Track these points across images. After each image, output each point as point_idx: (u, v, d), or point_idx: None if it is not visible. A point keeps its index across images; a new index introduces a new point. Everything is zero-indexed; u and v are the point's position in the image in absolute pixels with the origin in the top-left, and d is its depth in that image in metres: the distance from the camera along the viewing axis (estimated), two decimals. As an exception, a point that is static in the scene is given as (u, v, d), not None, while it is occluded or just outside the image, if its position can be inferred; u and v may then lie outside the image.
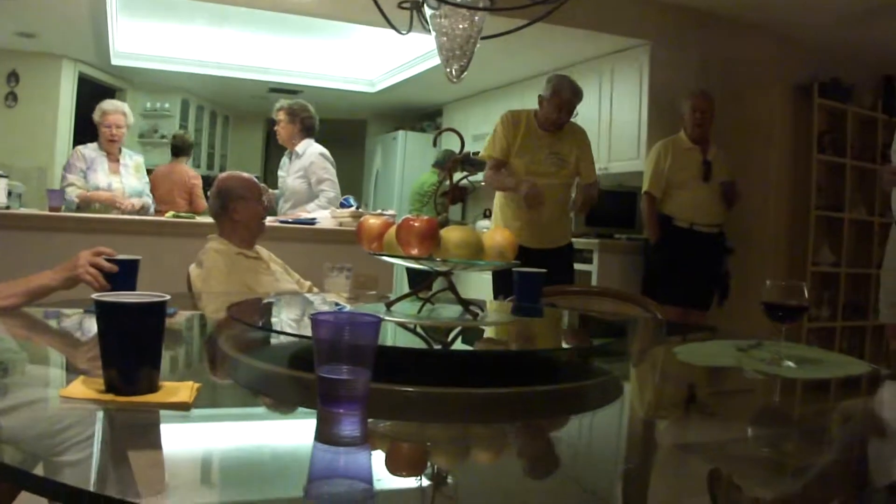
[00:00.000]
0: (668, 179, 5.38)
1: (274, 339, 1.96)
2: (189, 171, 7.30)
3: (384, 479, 1.10)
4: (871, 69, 7.43)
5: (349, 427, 1.21)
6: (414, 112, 10.83)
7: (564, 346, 2.27)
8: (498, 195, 5.17)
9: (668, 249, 5.40)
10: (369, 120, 11.58)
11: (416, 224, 1.79)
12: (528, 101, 7.75)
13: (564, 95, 4.93)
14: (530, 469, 1.25)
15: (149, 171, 6.06)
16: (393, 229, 1.86)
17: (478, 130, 8.67)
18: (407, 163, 9.76)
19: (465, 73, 2.18)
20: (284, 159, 5.88)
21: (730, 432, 1.60)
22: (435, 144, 2.35)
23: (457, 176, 2.06)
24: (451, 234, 1.81)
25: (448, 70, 2.17)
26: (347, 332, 1.20)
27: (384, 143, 10.51)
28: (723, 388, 1.98)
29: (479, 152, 5.36)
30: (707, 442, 1.51)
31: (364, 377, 1.20)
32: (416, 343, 1.82)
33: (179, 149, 7.41)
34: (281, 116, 5.72)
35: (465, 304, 1.86)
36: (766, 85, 6.71)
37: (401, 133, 10.02)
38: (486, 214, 9.00)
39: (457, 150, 7.79)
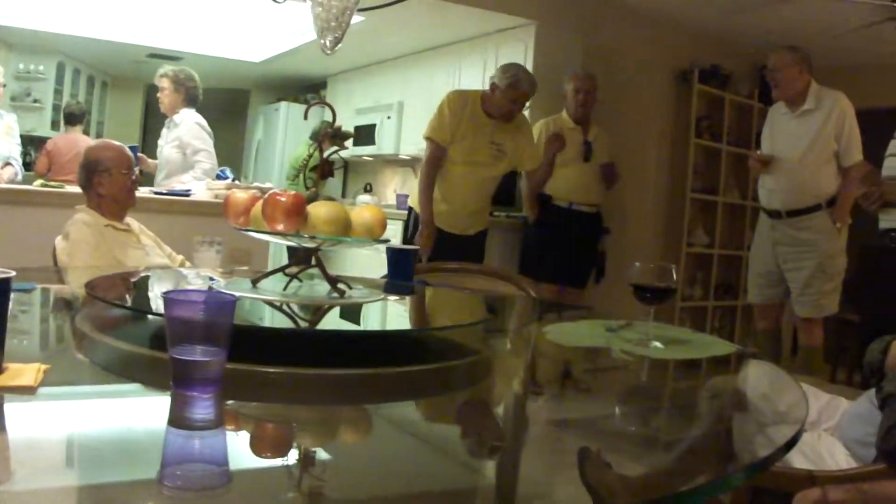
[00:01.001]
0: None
1: (137, 318, 1.88)
2: (90, 141, 7.07)
3: (249, 462, 1.08)
4: (749, 58, 7.63)
5: (203, 410, 1.17)
6: (298, 83, 10.67)
7: (433, 325, 2.25)
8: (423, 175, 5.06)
9: (546, 228, 5.44)
10: (252, 90, 11.37)
11: (282, 199, 1.74)
12: (413, 77, 7.78)
13: (522, 88, 4.85)
14: (401, 449, 1.24)
15: (41, 140, 5.84)
16: (259, 204, 1.81)
17: (361, 104, 8.63)
18: (289, 135, 9.60)
19: (340, 45, 2.15)
20: (164, 129, 5.72)
21: (602, 409, 1.62)
22: (306, 118, 2.29)
23: (330, 150, 2.03)
24: (318, 210, 1.77)
25: (322, 41, 2.13)
26: (201, 310, 1.16)
27: (266, 114, 10.34)
28: (596, 365, 2.01)
29: (341, 128, 5.25)
30: (580, 418, 1.53)
31: (219, 358, 1.16)
32: (284, 322, 1.78)
33: (75, 116, 7.14)
34: (165, 84, 5.54)
35: (333, 281, 1.83)
36: (649, 69, 6.83)
37: (283, 104, 9.86)
38: (368, 189, 8.95)
39: (342, 122, 7.78)
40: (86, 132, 9.96)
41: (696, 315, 7.44)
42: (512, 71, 4.87)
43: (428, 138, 4.87)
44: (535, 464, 1.22)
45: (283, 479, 1.02)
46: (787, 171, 4.88)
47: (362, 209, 1.91)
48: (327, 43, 2.13)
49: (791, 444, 1.30)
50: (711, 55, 7.28)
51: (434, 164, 4.85)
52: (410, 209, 5.07)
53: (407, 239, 5.05)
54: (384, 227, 1.93)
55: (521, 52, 6.38)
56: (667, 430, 1.51)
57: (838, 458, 2.28)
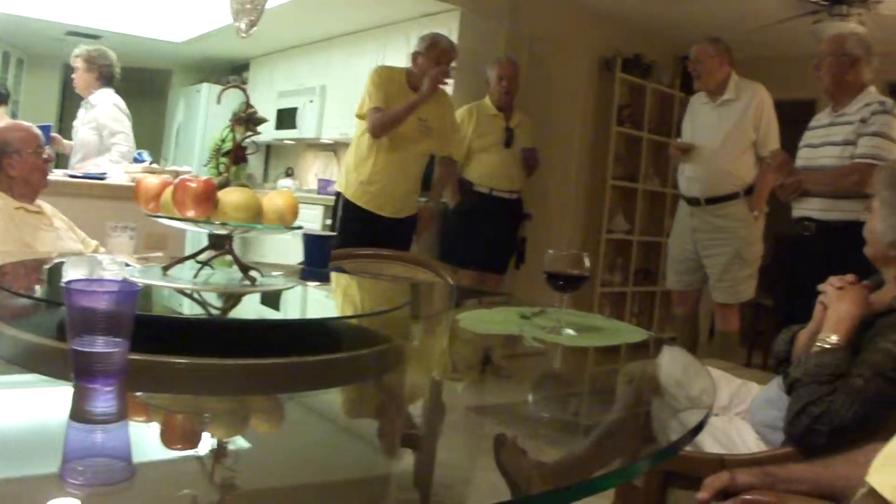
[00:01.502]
0: (470, 144, 5.41)
1: (45, 307, 1.83)
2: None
3: (159, 454, 1.07)
4: (671, 48, 7.74)
5: (105, 403, 1.15)
6: (220, 65, 10.48)
7: (347, 312, 2.23)
8: (352, 157, 4.96)
9: (466, 214, 5.44)
10: (174, 71, 11.15)
11: (192, 185, 1.71)
12: (337, 61, 7.72)
13: (442, 45, 4.84)
14: (315, 438, 1.24)
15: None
16: (170, 190, 1.78)
17: (284, 87, 8.54)
18: (210, 118, 9.36)
19: (256, 28, 2.12)
20: (81, 110, 5.60)
21: (521, 395, 1.63)
22: (219, 101, 2.26)
23: (244, 135, 2.00)
24: (229, 197, 1.74)
25: (238, 24, 2.11)
26: (103, 300, 1.13)
27: (187, 95, 10.12)
28: (515, 351, 2.02)
29: (255, 113, 5.15)
30: (498, 404, 1.54)
31: (121, 349, 1.13)
32: (195, 311, 1.75)
33: (1, 96, 6.95)
34: (79, 64, 5.40)
35: (245, 268, 1.81)
36: (572, 57, 6.86)
37: (205, 86, 9.63)
38: (289, 173, 8.86)
39: (263, 106, 7.63)
40: (0, 112, 9.71)
41: (616, 301, 7.53)
42: (429, 35, 4.91)
43: (370, 109, 4.72)
44: (454, 450, 1.22)
45: (196, 471, 1.01)
46: (706, 159, 4.96)
47: (274, 195, 1.89)
48: (242, 25, 2.11)
49: (696, 430, 1.32)
50: (634, 44, 7.35)
51: (378, 111, 4.75)
52: (338, 194, 5.01)
53: (336, 225, 5.00)
54: (296, 213, 1.90)
55: (457, 48, 6.36)
56: (584, 415, 1.53)
57: (749, 442, 2.32)
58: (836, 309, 2.16)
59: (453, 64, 4.94)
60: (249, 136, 1.93)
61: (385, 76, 4.82)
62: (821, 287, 2.29)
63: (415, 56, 4.89)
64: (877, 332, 2.09)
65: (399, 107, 4.67)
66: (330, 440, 1.24)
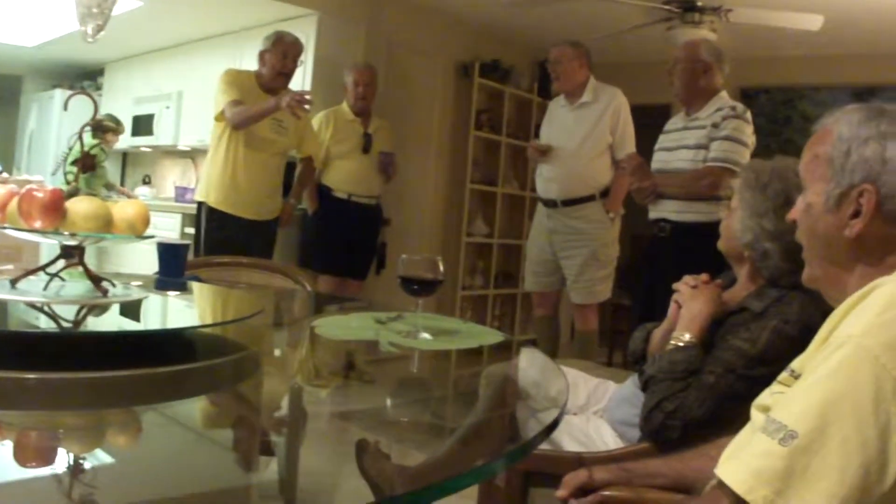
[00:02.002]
0: (328, 150, 5.38)
1: None
2: None
3: (12, 474, 1.02)
4: (529, 53, 7.86)
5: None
6: (74, 70, 10.13)
7: (202, 321, 2.19)
8: (210, 162, 4.89)
9: (325, 220, 5.40)
10: (26, 76, 10.75)
11: (38, 195, 1.65)
12: (194, 66, 7.56)
13: (288, 39, 4.85)
14: (175, 450, 1.21)
15: None
16: (16, 199, 1.72)
17: (140, 93, 8.30)
18: (64, 125, 9.05)
19: (103, 33, 2.07)
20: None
21: (384, 399, 1.63)
22: (66, 108, 2.18)
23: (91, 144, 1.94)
24: (77, 206, 1.69)
25: (84, 28, 2.05)
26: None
27: (40, 102, 9.75)
28: (377, 356, 2.01)
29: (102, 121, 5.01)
30: (363, 409, 1.53)
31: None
32: (45, 324, 1.69)
33: None
34: (-81, 69, 5.20)
35: (96, 279, 1.76)
36: (430, 62, 6.90)
37: (58, 92, 9.28)
38: (146, 181, 8.65)
39: (119, 112, 7.43)
40: None
41: (477, 303, 7.59)
42: (273, 32, 4.91)
43: (228, 102, 4.68)
44: (319, 457, 1.22)
45: (52, 490, 0.98)
46: (563, 161, 5.05)
47: (125, 204, 1.83)
48: (89, 30, 2.05)
49: (550, 429, 1.34)
50: (492, 50, 7.44)
51: (236, 105, 4.71)
52: (200, 204, 4.92)
53: (200, 234, 4.91)
54: (147, 222, 1.85)
55: (302, 40, 6.32)
56: (448, 418, 1.53)
57: (607, 440, 2.37)
58: (689, 308, 2.23)
59: (301, 58, 4.99)
60: (98, 145, 1.88)
61: (234, 76, 4.82)
62: (675, 286, 2.36)
63: (262, 54, 4.89)
64: (728, 329, 2.17)
65: (257, 105, 4.64)
66: (191, 451, 1.22)
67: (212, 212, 4.82)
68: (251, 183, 4.79)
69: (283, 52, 4.83)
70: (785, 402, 1.21)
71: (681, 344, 2.16)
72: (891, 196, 1.32)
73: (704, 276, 2.31)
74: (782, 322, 2.06)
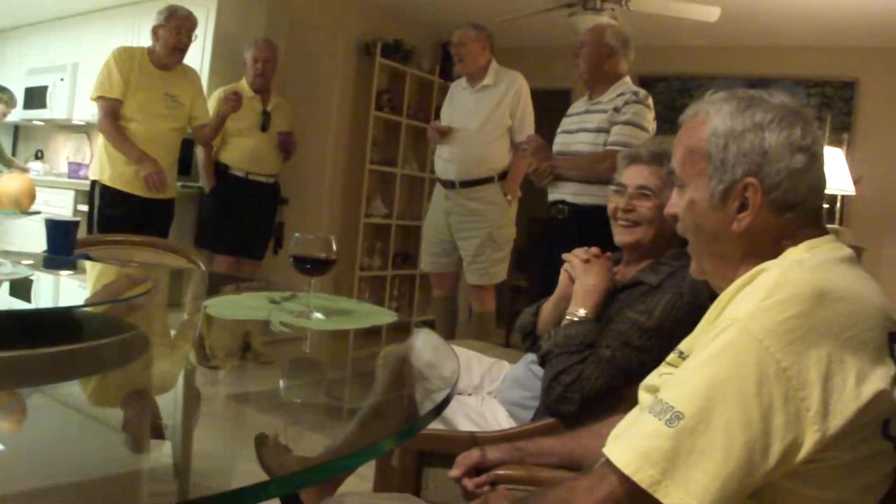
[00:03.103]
0: (225, 127, 5.31)
1: None
2: None
3: None
4: (432, 35, 7.87)
5: None
6: (-39, 41, 9.83)
7: (89, 300, 2.12)
8: (103, 139, 4.80)
9: (222, 198, 5.33)
10: None
11: None
12: (89, 37, 7.35)
13: (181, 13, 4.75)
14: (66, 435, 1.18)
15: None
16: None
17: (34, 64, 8.05)
18: (-49, 97, 8.78)
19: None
20: None
21: (284, 381, 1.62)
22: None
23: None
24: (-42, 181, 1.65)
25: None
26: None
27: (-76, 74, 9.44)
28: (275, 337, 2.00)
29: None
30: (259, 391, 1.52)
31: None
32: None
33: None
34: None
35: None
36: (332, 41, 6.85)
37: (-57, 64, 9.03)
38: (39, 156, 8.40)
39: (12, 84, 7.19)
40: None
41: (376, 284, 7.59)
42: (166, 7, 4.82)
43: (99, 97, 4.68)
44: (215, 440, 1.21)
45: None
46: (463, 142, 5.07)
47: (8, 178, 1.79)
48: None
49: (439, 409, 1.36)
50: (395, 30, 7.42)
51: (113, 118, 4.66)
52: (94, 183, 4.82)
53: (94, 212, 4.80)
54: (33, 197, 1.81)
55: (202, 16, 6.17)
56: (343, 399, 1.54)
57: (500, 420, 2.40)
58: (583, 282, 2.27)
59: (195, 33, 4.92)
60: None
61: (124, 58, 4.74)
62: (565, 256, 2.39)
63: (155, 30, 4.80)
64: (623, 303, 2.21)
65: (125, 142, 4.66)
66: (80, 435, 1.19)
67: (105, 189, 4.74)
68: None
69: (176, 26, 4.74)
70: (672, 384, 1.23)
71: (576, 318, 2.21)
72: (775, 186, 1.34)
73: (595, 249, 2.35)
74: (677, 295, 2.11)
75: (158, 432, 1.24)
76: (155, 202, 4.77)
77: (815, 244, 1.35)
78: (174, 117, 4.86)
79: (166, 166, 4.83)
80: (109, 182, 4.72)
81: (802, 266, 1.26)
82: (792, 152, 1.35)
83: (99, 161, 4.83)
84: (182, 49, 4.83)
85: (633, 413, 1.42)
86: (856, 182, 5.96)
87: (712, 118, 1.40)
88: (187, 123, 5.00)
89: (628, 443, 1.20)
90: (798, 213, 1.36)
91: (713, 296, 1.37)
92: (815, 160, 1.36)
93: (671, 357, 1.43)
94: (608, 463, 1.21)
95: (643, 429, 1.19)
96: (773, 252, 1.36)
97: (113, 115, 4.65)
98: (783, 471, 1.14)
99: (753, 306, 1.19)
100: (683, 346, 1.41)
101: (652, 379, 1.47)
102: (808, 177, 1.36)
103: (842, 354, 1.15)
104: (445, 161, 5.16)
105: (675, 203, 1.48)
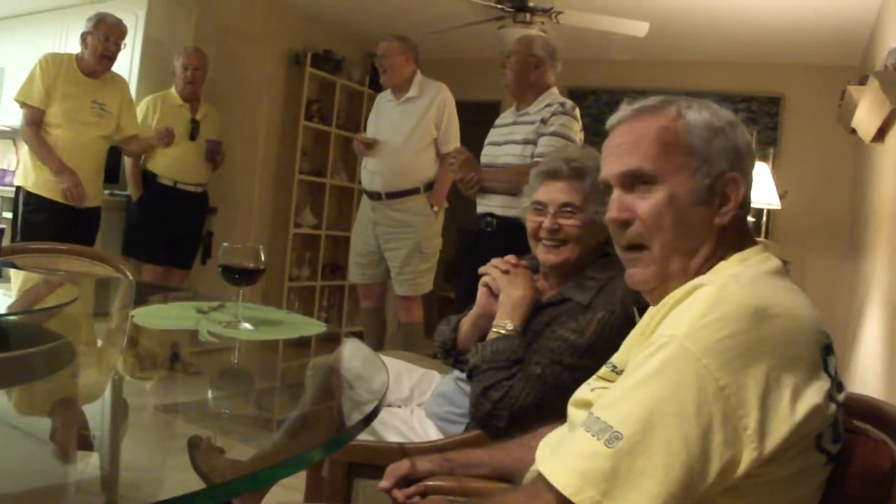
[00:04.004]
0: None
1: None
2: None
3: None
4: (362, 45, 7.88)
5: None
6: None
7: (11, 309, 2.09)
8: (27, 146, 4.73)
9: (150, 207, 5.27)
10: None
11: None
12: (16, 42, 7.19)
13: (110, 20, 4.72)
14: None
15: None
16: None
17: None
18: None
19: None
20: None
21: (213, 391, 1.61)
22: None
23: None
24: None
25: None
26: None
27: None
28: (204, 347, 1.98)
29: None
30: (188, 402, 1.52)
31: None
32: None
33: None
34: None
35: None
36: (262, 50, 6.83)
37: None
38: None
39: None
40: None
41: (305, 295, 7.56)
42: (95, 14, 4.78)
43: (21, 103, 4.64)
44: (143, 451, 1.20)
45: None
46: (388, 154, 5.08)
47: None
48: None
49: (367, 420, 1.36)
50: (325, 40, 7.43)
51: (35, 126, 4.62)
52: (19, 188, 4.75)
53: (18, 220, 4.72)
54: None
55: (132, 22, 6.10)
56: (273, 410, 1.54)
57: (430, 432, 2.40)
58: (509, 294, 2.26)
59: (124, 41, 4.88)
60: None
61: (50, 64, 4.69)
62: (483, 269, 2.39)
63: (83, 37, 4.76)
64: (552, 319, 2.22)
65: (48, 154, 4.62)
66: (7, 446, 1.18)
67: (29, 196, 4.67)
68: (71, 167, 4.64)
69: (104, 34, 4.70)
70: (609, 401, 1.22)
71: (503, 332, 2.20)
72: (748, 183, 1.38)
73: (512, 258, 2.35)
74: (609, 313, 2.13)
75: (86, 443, 1.22)
76: (80, 210, 4.72)
77: (745, 256, 1.37)
78: (101, 125, 4.81)
79: (93, 174, 4.78)
80: (33, 188, 4.66)
81: (738, 281, 1.25)
82: (752, 154, 1.40)
83: (24, 167, 4.77)
84: (110, 57, 4.78)
85: (565, 428, 1.43)
86: (781, 196, 6.09)
87: (686, 113, 1.40)
88: (115, 131, 4.95)
89: (566, 462, 1.19)
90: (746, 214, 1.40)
91: (641, 307, 1.38)
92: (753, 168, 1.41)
93: (603, 371, 1.44)
94: (543, 480, 1.20)
95: (581, 448, 1.18)
96: (736, 248, 1.38)
97: (35, 123, 4.61)
98: (721, 487, 1.14)
99: (691, 324, 1.18)
100: (616, 359, 1.42)
101: (583, 393, 1.46)
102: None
103: (779, 372, 1.15)
104: (372, 173, 5.17)
105: (627, 207, 1.42)
